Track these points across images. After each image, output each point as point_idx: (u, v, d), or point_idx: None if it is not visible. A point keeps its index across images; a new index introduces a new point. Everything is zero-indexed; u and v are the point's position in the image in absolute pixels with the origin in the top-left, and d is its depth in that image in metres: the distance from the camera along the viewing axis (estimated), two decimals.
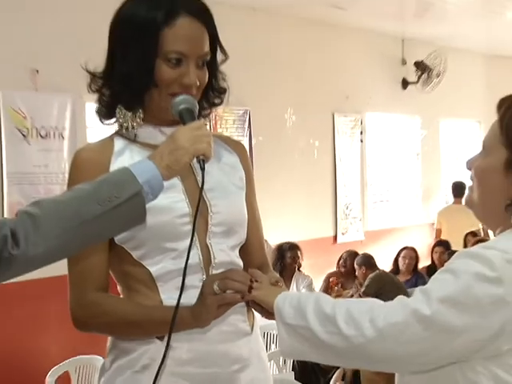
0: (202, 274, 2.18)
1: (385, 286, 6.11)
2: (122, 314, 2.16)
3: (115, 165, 2.15)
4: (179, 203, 2.16)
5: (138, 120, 2.19)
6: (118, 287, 2.29)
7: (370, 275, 6.82)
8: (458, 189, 11.35)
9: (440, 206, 12.70)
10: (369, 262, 8.67)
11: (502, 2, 9.71)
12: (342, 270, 8.64)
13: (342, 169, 10.95)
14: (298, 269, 8.21)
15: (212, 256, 2.20)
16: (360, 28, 10.60)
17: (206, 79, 2.22)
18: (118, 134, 2.26)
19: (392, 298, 1.82)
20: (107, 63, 2.23)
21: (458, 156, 13.57)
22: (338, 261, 8.83)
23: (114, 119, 2.27)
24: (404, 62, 11.65)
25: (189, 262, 2.06)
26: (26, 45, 7.16)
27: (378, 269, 8.34)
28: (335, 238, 10.74)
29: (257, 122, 9.55)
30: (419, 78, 11.62)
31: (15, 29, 6.96)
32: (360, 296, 6.55)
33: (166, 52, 2.12)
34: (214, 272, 2.18)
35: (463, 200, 10.59)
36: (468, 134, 13.91)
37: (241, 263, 2.31)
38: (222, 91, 2.33)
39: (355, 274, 8.50)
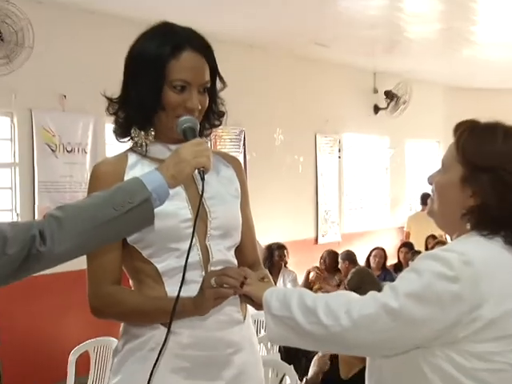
0: (201, 271, 2.17)
1: (364, 279, 6.41)
2: (133, 304, 2.16)
3: (128, 176, 2.15)
4: (183, 210, 2.16)
5: (150, 138, 2.20)
6: (130, 281, 2.28)
7: (353, 270, 7.08)
8: (425, 198, 11.37)
9: (405, 213, 12.74)
10: (351, 257, 8.73)
11: (459, 41, 9.72)
12: (323, 267, 8.62)
13: (323, 181, 10.98)
14: (285, 265, 8.22)
15: (210, 255, 2.20)
16: (339, 63, 10.62)
17: (207, 104, 2.23)
18: (131, 149, 2.26)
19: (370, 290, 1.81)
20: (122, 90, 2.24)
21: (420, 171, 13.59)
22: (320, 259, 8.80)
23: (128, 137, 2.28)
24: (375, 91, 11.69)
25: (190, 260, 2.06)
26: (56, 73, 7.18)
27: (358, 264, 8.54)
28: (316, 239, 10.77)
29: (251, 140, 9.56)
30: (388, 104, 11.66)
31: (47, 59, 6.95)
32: (345, 288, 6.66)
33: (172, 80, 2.14)
34: (212, 269, 2.18)
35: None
36: (429, 153, 13.93)
37: (235, 261, 2.30)
38: (221, 114, 2.34)
39: (335, 270, 8.48)
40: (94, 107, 7.52)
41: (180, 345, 2.12)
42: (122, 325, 2.28)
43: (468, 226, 1.84)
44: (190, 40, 2.18)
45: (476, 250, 1.76)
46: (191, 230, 2.08)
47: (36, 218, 7.03)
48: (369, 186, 12.26)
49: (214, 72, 2.26)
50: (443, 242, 8.77)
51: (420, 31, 9.10)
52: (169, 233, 2.13)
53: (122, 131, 2.26)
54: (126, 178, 2.15)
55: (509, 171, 1.78)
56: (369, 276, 6.78)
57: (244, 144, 9.54)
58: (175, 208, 2.13)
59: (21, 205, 7.08)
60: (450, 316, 1.69)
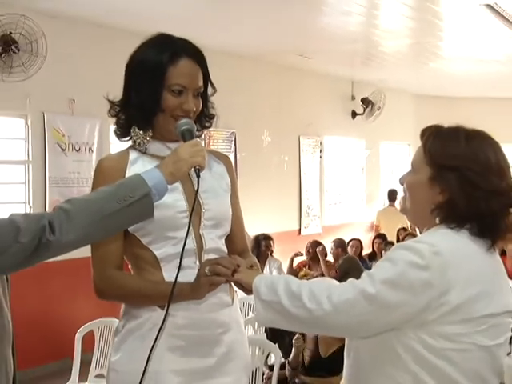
0: (195, 258, 2.17)
1: (352, 266, 7.00)
2: (134, 287, 2.16)
3: (130, 171, 2.16)
4: (179, 202, 2.16)
5: (148, 138, 2.20)
6: (129, 266, 2.28)
7: (344, 256, 7.75)
8: (392, 194, 11.43)
9: (379, 208, 12.75)
10: (343, 245, 8.78)
11: (427, 55, 9.73)
12: (308, 257, 8.60)
13: (305, 178, 10.97)
14: (271, 254, 8.21)
15: (204, 243, 2.19)
16: (321, 73, 10.62)
17: (200, 107, 2.25)
18: (132, 147, 2.26)
19: (356, 275, 1.81)
20: (124, 94, 2.25)
21: (393, 170, 13.62)
22: (306, 249, 8.74)
23: (128, 137, 2.28)
24: (353, 98, 11.68)
25: (186, 247, 2.06)
26: (66, 80, 7.18)
27: (347, 252, 8.69)
28: (299, 230, 10.78)
29: (241, 141, 9.55)
30: (364, 110, 11.66)
31: (58, 68, 6.96)
32: (336, 272, 7.40)
33: (171, 85, 2.15)
34: (205, 256, 2.18)
35: (398, 206, 10.67)
36: (400, 154, 13.94)
37: (225, 249, 2.30)
38: (212, 117, 2.35)
39: (319, 259, 8.44)
40: (100, 111, 7.41)
41: (175, 325, 2.12)
42: (123, 306, 2.26)
43: (437, 221, 1.84)
44: (186, 49, 2.19)
45: (444, 241, 1.77)
46: (187, 220, 2.09)
47: (47, 210, 7.00)
48: (347, 183, 12.27)
49: (206, 78, 2.26)
50: (413, 234, 8.80)
51: (393, 45, 9.10)
52: (167, 222, 2.13)
53: (122, 131, 2.26)
54: (128, 172, 2.16)
55: (472, 170, 1.78)
56: (356, 263, 7.30)
57: (235, 144, 9.53)
58: (173, 200, 2.13)
59: (33, 198, 7.08)
60: (421, 301, 1.70)
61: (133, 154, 2.23)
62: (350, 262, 7.20)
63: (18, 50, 6.33)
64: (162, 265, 2.15)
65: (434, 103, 13.27)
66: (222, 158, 2.41)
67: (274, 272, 7.87)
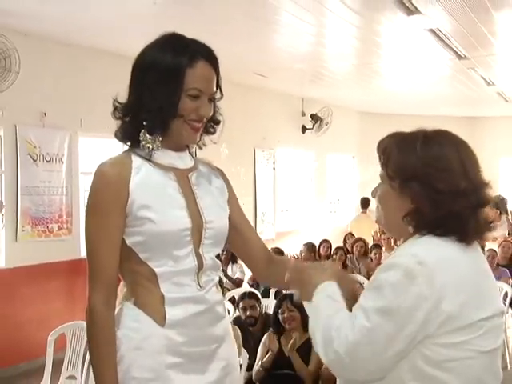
0: (194, 276, 1.96)
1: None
2: (100, 347, 1.87)
3: (134, 180, 1.91)
4: (183, 219, 1.93)
5: (158, 143, 1.96)
6: (122, 282, 2.02)
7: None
8: (364, 202, 11.41)
9: (325, 215, 12.79)
10: (314, 249, 8.58)
11: (370, 74, 9.79)
12: None
13: (260, 187, 10.93)
14: (235, 259, 8.03)
15: (204, 262, 1.99)
16: (274, 90, 10.62)
17: (212, 112, 2.05)
18: (133, 151, 1.98)
19: None
20: (133, 96, 1.97)
21: (337, 179, 13.70)
22: None
23: (132, 141, 2.00)
24: (303, 114, 11.69)
25: (186, 266, 1.91)
26: (37, 95, 7.08)
27: (318, 254, 8.67)
28: None
29: (201, 153, 9.37)
30: (314, 125, 11.71)
31: (30, 83, 6.85)
32: None
33: (188, 89, 1.91)
34: (203, 274, 1.98)
35: (369, 213, 10.95)
36: (346, 165, 14.03)
37: (220, 264, 2.12)
38: (217, 123, 2.11)
39: None
40: (70, 124, 7.43)
41: (175, 342, 1.90)
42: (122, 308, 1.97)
43: (410, 229, 1.70)
44: (203, 51, 1.97)
45: (425, 249, 1.62)
46: (189, 238, 1.92)
47: (18, 217, 6.91)
48: (297, 192, 12.28)
49: (218, 83, 2.05)
50: (363, 241, 8.80)
51: (339, 65, 9.13)
52: (170, 239, 1.91)
53: (128, 135, 1.98)
54: (132, 182, 1.90)
55: (431, 174, 1.64)
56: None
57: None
58: (176, 217, 1.92)
59: (5, 206, 6.87)
60: (419, 316, 1.54)
61: (136, 161, 1.94)
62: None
63: None
64: (159, 281, 1.92)
65: (376, 119, 13.37)
66: (219, 172, 2.20)
67: (237, 274, 7.75)
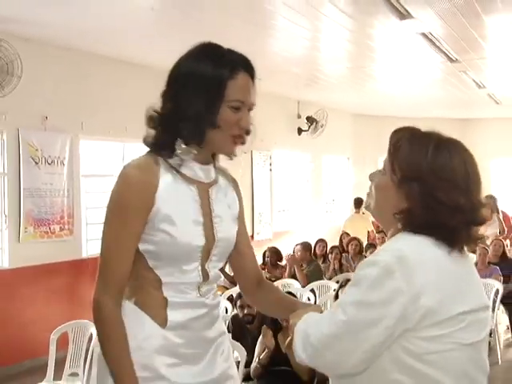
0: (197, 289, 1.93)
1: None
2: (114, 343, 1.84)
3: (161, 189, 1.85)
4: (198, 237, 1.89)
5: (192, 154, 1.88)
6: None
7: None
8: (357, 202, 11.40)
9: (320, 215, 12.79)
10: (309, 248, 8.54)
11: (363, 77, 9.79)
12: (268, 263, 8.32)
13: (257, 188, 10.94)
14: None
15: (209, 276, 1.96)
16: (271, 93, 10.59)
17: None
18: (161, 158, 1.89)
19: None
20: (171, 106, 1.89)
21: (332, 180, 13.71)
22: (264, 257, 8.46)
23: (167, 150, 1.91)
24: (299, 117, 11.70)
25: (191, 280, 1.90)
26: (39, 99, 7.08)
27: (314, 254, 8.69)
28: (252, 236, 10.65)
29: None
30: (309, 127, 11.72)
31: (32, 87, 6.85)
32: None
33: (230, 100, 1.86)
34: (205, 286, 1.95)
35: (366, 215, 10.79)
36: (341, 166, 14.04)
37: (220, 274, 2.09)
38: (248, 133, 1.99)
39: (278, 266, 8.28)
40: (71, 127, 7.44)
41: (173, 343, 1.88)
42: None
43: (399, 225, 1.67)
44: (242, 62, 1.91)
45: (408, 245, 1.60)
46: (199, 254, 1.90)
47: (21, 218, 6.91)
48: (293, 192, 12.28)
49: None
50: (358, 240, 8.80)
51: (334, 68, 9.14)
52: (180, 254, 1.87)
53: (162, 143, 1.89)
54: (158, 190, 1.84)
55: (435, 183, 1.61)
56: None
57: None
58: (192, 235, 1.88)
59: (9, 208, 6.91)
60: (395, 310, 1.52)
61: (163, 168, 1.88)
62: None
63: None
64: (163, 287, 1.89)
65: (370, 121, 13.41)
66: (234, 183, 2.13)
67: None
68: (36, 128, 7.04)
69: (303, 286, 7.13)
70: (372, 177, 1.81)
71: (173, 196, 1.86)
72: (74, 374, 4.96)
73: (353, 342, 1.56)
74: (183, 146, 1.88)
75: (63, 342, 5.05)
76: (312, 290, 6.84)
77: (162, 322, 1.88)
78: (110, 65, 7.83)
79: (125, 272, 1.86)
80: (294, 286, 7.08)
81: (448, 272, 1.61)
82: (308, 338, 1.63)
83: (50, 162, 7.23)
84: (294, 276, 7.75)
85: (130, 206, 1.83)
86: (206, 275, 1.94)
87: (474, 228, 1.68)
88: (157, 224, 1.84)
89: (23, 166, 6.92)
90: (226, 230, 1.99)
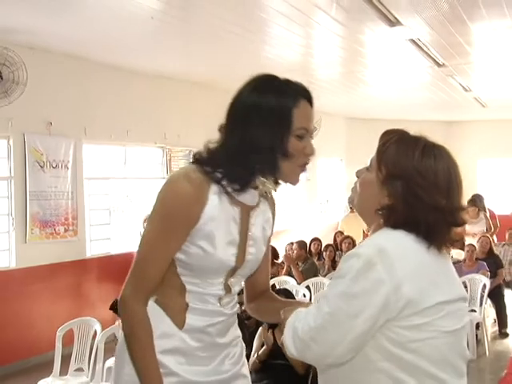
0: (218, 302, 1.93)
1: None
2: (140, 341, 1.83)
3: (208, 208, 1.82)
4: (231, 257, 1.87)
5: (274, 185, 1.86)
6: None
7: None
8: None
9: (315, 215, 12.79)
10: (305, 246, 8.52)
11: (355, 82, 9.81)
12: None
13: None
14: None
15: (231, 290, 1.96)
16: None
17: None
18: (212, 175, 1.84)
19: None
20: (236, 140, 1.83)
21: (326, 181, 13.73)
22: None
23: (247, 186, 1.87)
24: None
25: (214, 292, 1.90)
26: (44, 105, 7.10)
27: (309, 252, 8.67)
28: None
29: None
30: None
31: (37, 94, 6.88)
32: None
33: (296, 129, 1.81)
34: (226, 298, 1.95)
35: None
36: (334, 168, 14.05)
37: (242, 286, 2.10)
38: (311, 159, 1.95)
39: (274, 263, 8.17)
40: (74, 132, 7.45)
41: (190, 347, 1.89)
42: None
43: (381, 221, 1.69)
44: (302, 91, 1.88)
45: (388, 239, 1.63)
46: (227, 272, 1.90)
47: (28, 220, 6.94)
48: (289, 193, 12.27)
49: None
50: (351, 238, 8.83)
51: (327, 74, 9.16)
52: (210, 270, 1.87)
53: (238, 179, 1.83)
54: (206, 210, 1.81)
55: (418, 183, 1.64)
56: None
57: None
58: (226, 255, 1.86)
59: (15, 210, 6.93)
60: (378, 300, 1.54)
61: (213, 187, 1.83)
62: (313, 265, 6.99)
63: (1, 79, 6.28)
64: (186, 294, 1.88)
65: (362, 124, 13.43)
66: (273, 205, 2.07)
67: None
68: (41, 133, 7.07)
69: (299, 283, 7.16)
70: (358, 173, 1.82)
71: (217, 216, 1.83)
72: (80, 369, 5.00)
73: (339, 332, 1.58)
74: (263, 180, 1.84)
75: (69, 338, 5.07)
76: (307, 287, 6.87)
77: (180, 324, 1.87)
78: (111, 72, 7.86)
79: (156, 278, 1.85)
80: (290, 283, 7.11)
81: (427, 265, 1.64)
82: (296, 332, 1.65)
83: (54, 165, 7.25)
84: (290, 274, 7.78)
85: (177, 219, 1.80)
86: (228, 289, 1.94)
87: (453, 229, 1.70)
88: (196, 239, 1.82)
89: (29, 170, 6.95)
90: (256, 253, 1.96)
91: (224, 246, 1.85)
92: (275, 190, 1.96)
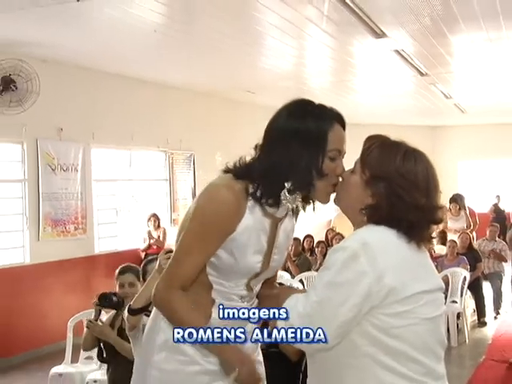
0: (241, 298, 1.93)
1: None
2: (183, 320, 1.82)
3: (245, 219, 1.82)
4: (257, 264, 1.89)
5: (298, 202, 1.85)
6: None
7: None
8: None
9: (308, 213, 12.74)
10: (299, 242, 8.58)
11: (345, 89, 9.85)
12: None
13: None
14: None
15: (253, 290, 1.96)
16: (262, 105, 10.60)
17: None
18: (249, 189, 1.83)
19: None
20: (274, 160, 1.81)
21: None
22: None
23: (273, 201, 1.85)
24: None
25: (237, 292, 1.91)
26: (55, 113, 7.12)
27: (303, 247, 8.73)
28: None
29: (198, 161, 9.49)
30: None
31: (49, 102, 6.85)
32: None
33: (330, 150, 1.81)
34: (247, 297, 1.95)
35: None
36: None
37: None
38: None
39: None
40: (83, 137, 7.47)
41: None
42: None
43: (364, 219, 1.71)
44: (335, 114, 1.86)
45: (371, 233, 1.65)
46: (251, 275, 1.90)
47: (40, 220, 6.95)
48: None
49: None
50: (341, 234, 8.83)
51: (319, 82, 9.19)
52: (236, 274, 1.89)
53: (269, 193, 1.82)
54: (243, 221, 1.81)
55: (400, 184, 1.66)
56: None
57: (193, 163, 9.46)
58: (253, 263, 1.88)
59: (29, 210, 6.94)
60: (361, 289, 1.56)
61: (251, 200, 1.83)
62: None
63: (16, 88, 6.30)
64: (212, 291, 1.89)
65: (352, 130, 13.10)
66: (296, 212, 2.03)
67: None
68: (52, 138, 7.09)
69: (293, 277, 7.19)
70: (343, 175, 1.83)
71: (250, 227, 1.83)
72: (89, 358, 4.97)
73: (325, 319, 1.60)
74: (288, 196, 1.82)
75: (79, 328, 5.07)
76: (301, 281, 6.89)
77: (206, 317, 1.86)
78: (118, 82, 7.88)
79: (190, 279, 1.84)
80: (285, 277, 7.14)
81: (407, 258, 1.66)
82: (287, 321, 1.66)
83: (65, 168, 7.26)
84: (285, 268, 7.80)
85: (218, 224, 1.80)
86: (250, 289, 1.94)
87: (431, 226, 1.73)
88: (229, 247, 1.82)
89: (41, 173, 6.97)
90: (279, 260, 1.97)
91: (252, 255, 1.86)
92: (304, 211, 1.96)
